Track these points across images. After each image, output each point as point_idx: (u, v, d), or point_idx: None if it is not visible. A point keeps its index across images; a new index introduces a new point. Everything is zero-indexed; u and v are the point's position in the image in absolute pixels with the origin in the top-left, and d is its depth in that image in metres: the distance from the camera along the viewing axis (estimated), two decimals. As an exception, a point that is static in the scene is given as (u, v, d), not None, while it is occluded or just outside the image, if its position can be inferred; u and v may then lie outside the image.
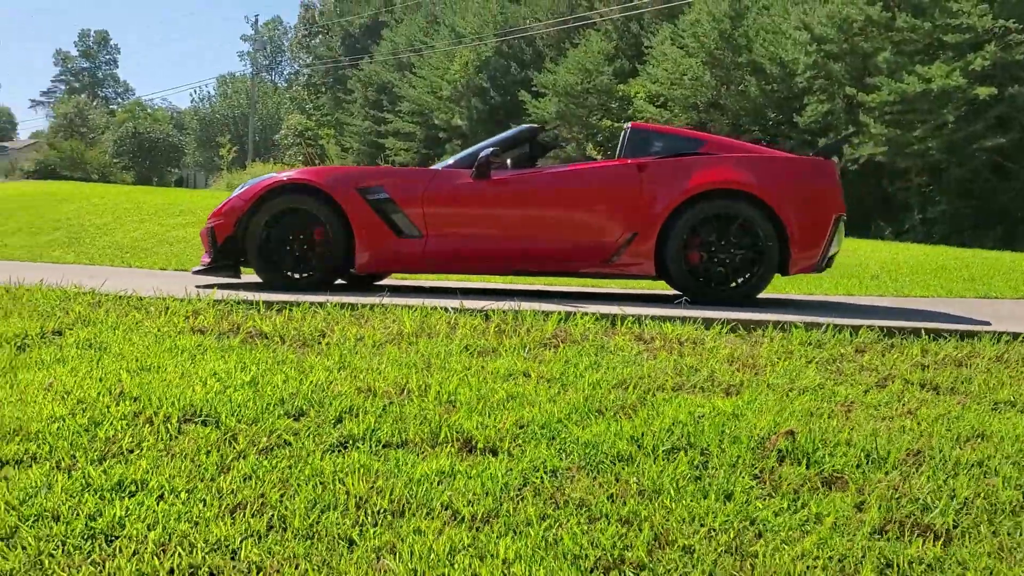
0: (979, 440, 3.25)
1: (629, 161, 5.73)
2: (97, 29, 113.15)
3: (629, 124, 6.09)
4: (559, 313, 4.57)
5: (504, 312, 4.60)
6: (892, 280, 9.65)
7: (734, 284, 5.58)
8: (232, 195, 5.97)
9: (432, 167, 6.15)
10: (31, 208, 26.25)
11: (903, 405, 3.55)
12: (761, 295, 6.32)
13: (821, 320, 4.64)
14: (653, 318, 4.62)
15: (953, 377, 3.91)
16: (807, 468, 2.94)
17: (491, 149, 5.85)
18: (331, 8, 59.23)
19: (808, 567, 2.37)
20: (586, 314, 4.57)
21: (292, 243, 5.76)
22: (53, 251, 17.05)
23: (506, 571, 2.28)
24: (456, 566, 2.28)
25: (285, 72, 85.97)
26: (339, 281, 6.72)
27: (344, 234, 5.70)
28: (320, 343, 4.01)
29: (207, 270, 5.92)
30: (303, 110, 56.73)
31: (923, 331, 4.53)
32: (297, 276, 5.78)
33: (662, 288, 7.45)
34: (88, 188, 32.59)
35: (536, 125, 6.48)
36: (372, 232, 5.70)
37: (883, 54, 22.71)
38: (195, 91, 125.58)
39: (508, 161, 6.18)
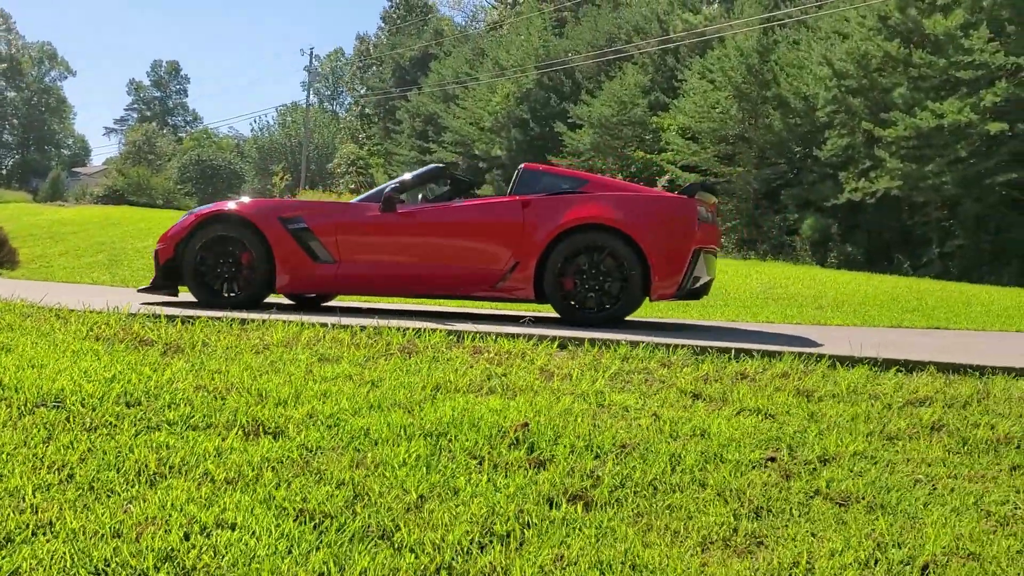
0: (697, 437, 3.86)
1: (516, 198, 6.43)
2: (169, 60, 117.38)
3: (522, 165, 6.81)
4: (413, 329, 5.28)
5: (370, 328, 5.32)
6: (835, 310, 10.14)
7: (602, 308, 6.22)
8: (177, 222, 6.81)
9: (348, 201, 6.93)
10: (82, 232, 27.80)
11: (658, 408, 4.17)
12: (666, 319, 6.94)
13: (645, 339, 5.27)
14: (498, 335, 5.29)
15: (723, 388, 4.52)
16: (527, 453, 3.59)
17: (395, 184, 6.61)
18: (384, 41, 61.05)
19: (463, 519, 3.02)
20: (436, 330, 5.27)
21: (222, 266, 6.56)
22: (92, 272, 18.23)
23: (220, 515, 2.98)
24: (183, 511, 2.99)
25: (346, 102, 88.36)
26: (289, 303, 7.52)
27: (267, 259, 6.49)
28: (192, 350, 4.78)
29: (150, 289, 6.75)
30: (356, 139, 58.41)
31: (733, 350, 5.13)
32: (226, 296, 6.57)
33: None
34: (139, 213, 34.23)
35: (442, 164, 7.24)
36: (291, 257, 6.48)
37: (899, 89, 23.02)
38: (255, 120, 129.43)
39: (420, 196, 6.93)
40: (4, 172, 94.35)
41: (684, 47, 35.96)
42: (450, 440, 3.67)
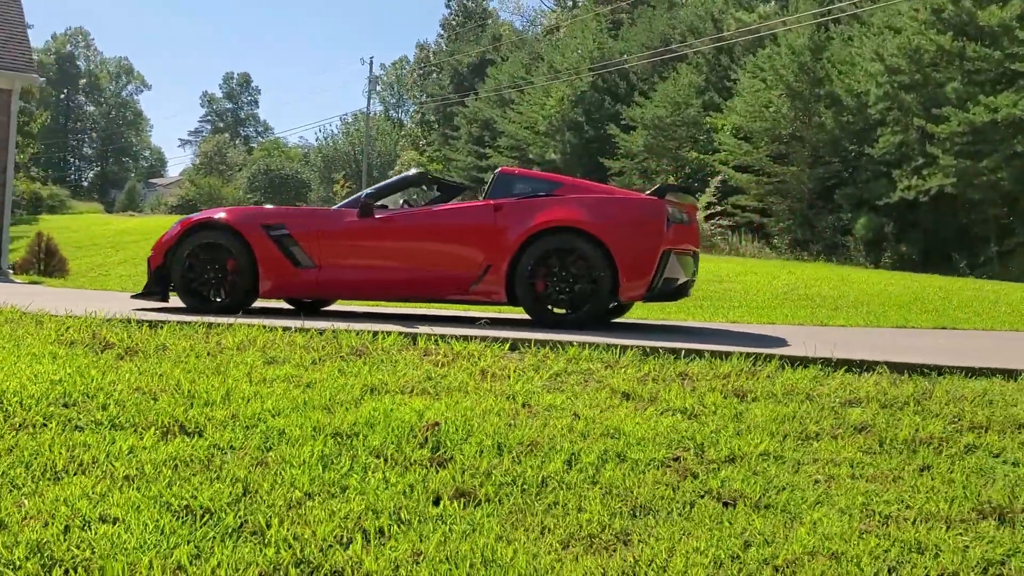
0: (607, 437, 3.88)
1: (490, 202, 6.50)
2: (240, 72, 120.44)
3: (499, 169, 6.89)
4: (369, 332, 5.39)
5: (329, 331, 5.44)
6: (850, 311, 9.97)
7: (572, 310, 6.25)
8: (167, 231, 7.05)
9: (329, 208, 7.09)
10: (143, 241, 28.62)
11: (582, 408, 4.20)
12: (667, 321, 6.92)
13: (597, 340, 5.29)
14: (454, 336, 5.37)
15: (657, 388, 4.52)
16: (432, 451, 3.66)
17: (371, 190, 6.74)
18: (443, 48, 61.67)
19: (338, 516, 3.10)
20: (389, 333, 5.37)
21: (209, 272, 6.76)
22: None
23: (105, 510, 3.11)
24: (72, 507, 3.13)
25: (410, 110, 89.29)
26: (289, 307, 7.71)
27: (251, 265, 6.67)
28: (148, 353, 4.95)
29: (142, 295, 7.00)
30: (417, 147, 59.04)
31: (683, 351, 5.12)
32: (213, 301, 6.77)
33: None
34: (201, 222, 35.18)
35: (421, 171, 7.34)
36: (274, 263, 6.66)
37: (952, 84, 22.42)
38: (320, 129, 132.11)
39: (402, 202, 7.05)
40: (85, 184, 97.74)
41: (739, 46, 35.54)
42: (359, 439, 3.76)
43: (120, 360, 4.83)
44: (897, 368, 4.91)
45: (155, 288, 6.92)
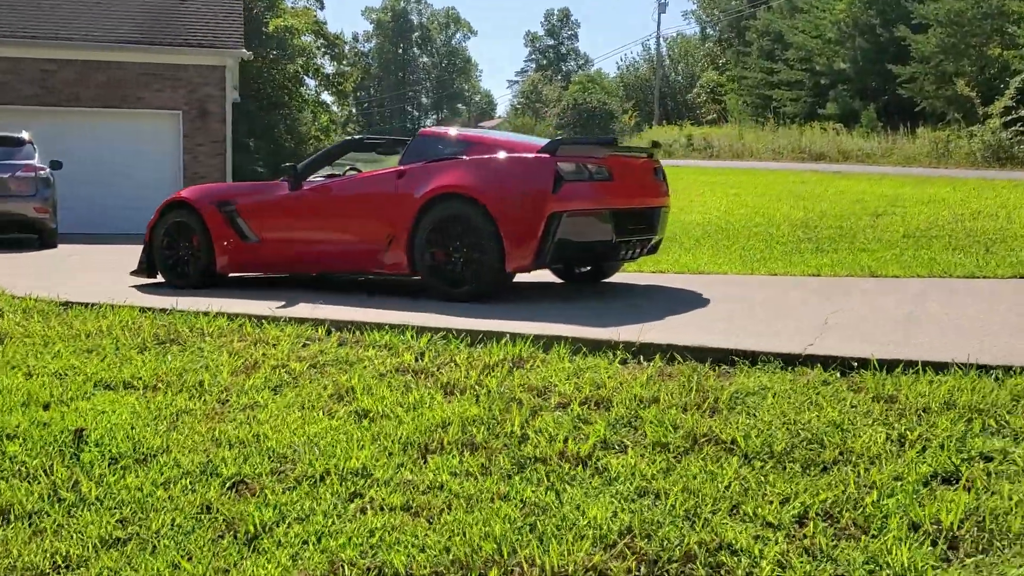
0: (240, 446, 3.64)
1: (400, 168, 6.17)
2: (560, 7, 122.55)
3: (420, 131, 6.49)
4: (206, 315, 5.40)
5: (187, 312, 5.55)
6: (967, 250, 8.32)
7: (462, 283, 5.79)
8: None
9: (273, 181, 7.11)
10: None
11: (277, 411, 3.97)
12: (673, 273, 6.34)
13: (416, 322, 4.93)
14: (280, 320, 5.24)
15: (375, 385, 4.14)
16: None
17: (303, 162, 6.67)
18: (741, -42, 58.26)
19: None
20: (221, 313, 5.36)
21: (182, 249, 7.08)
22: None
23: None
24: None
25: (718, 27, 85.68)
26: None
27: (210, 241, 6.89)
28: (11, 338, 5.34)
29: (136, 272, 7.48)
30: (716, 66, 56.77)
31: (480, 334, 4.62)
32: (188, 276, 7.07)
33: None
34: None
35: (355, 137, 7.06)
36: (226, 239, 6.84)
37: None
38: (622, 57, 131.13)
39: (346, 168, 6.90)
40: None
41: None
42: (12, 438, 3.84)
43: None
44: (700, 355, 4.10)
45: (144, 264, 7.37)
